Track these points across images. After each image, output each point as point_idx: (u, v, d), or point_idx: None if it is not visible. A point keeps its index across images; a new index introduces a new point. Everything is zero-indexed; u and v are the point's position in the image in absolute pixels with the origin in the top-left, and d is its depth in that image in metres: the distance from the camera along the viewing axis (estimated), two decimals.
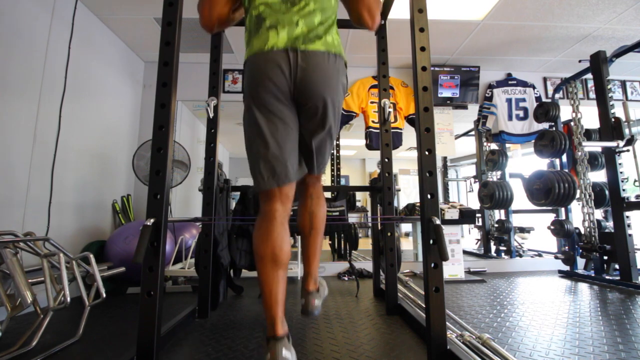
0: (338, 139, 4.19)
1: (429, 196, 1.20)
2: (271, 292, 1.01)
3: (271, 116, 1.05)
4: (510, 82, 3.51)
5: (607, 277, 2.61)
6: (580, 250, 2.86)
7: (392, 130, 2.67)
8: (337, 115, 1.15)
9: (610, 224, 2.94)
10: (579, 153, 2.87)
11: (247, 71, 1.08)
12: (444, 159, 5.43)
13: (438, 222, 1.14)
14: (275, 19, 1.05)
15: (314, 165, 1.20)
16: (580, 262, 2.94)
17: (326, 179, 5.32)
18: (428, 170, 1.21)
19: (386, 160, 2.00)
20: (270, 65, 1.02)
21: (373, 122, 3.18)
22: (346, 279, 2.82)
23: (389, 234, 1.94)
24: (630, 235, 2.47)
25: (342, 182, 3.67)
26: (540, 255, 3.67)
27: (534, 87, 3.50)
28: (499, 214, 4.00)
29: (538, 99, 3.46)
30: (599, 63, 2.68)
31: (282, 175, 1.06)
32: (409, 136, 2.67)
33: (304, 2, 1.07)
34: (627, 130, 2.56)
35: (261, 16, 1.07)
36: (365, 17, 1.11)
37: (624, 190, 2.54)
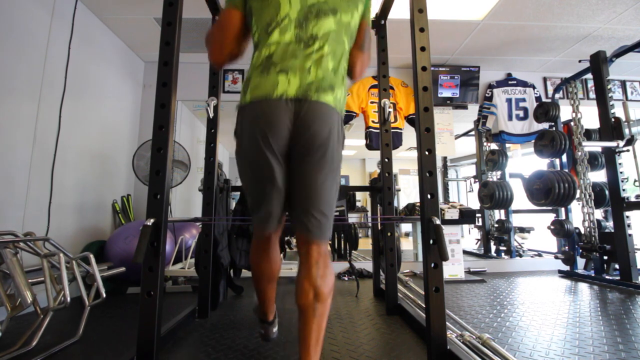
0: None
1: (429, 196, 1.20)
2: (265, 295, 1.25)
3: (276, 160, 1.00)
4: (510, 82, 3.51)
5: (607, 277, 2.61)
6: (580, 250, 2.86)
7: (392, 130, 2.67)
8: (339, 167, 1.06)
9: (610, 224, 2.94)
10: (579, 153, 2.87)
11: (250, 115, 0.99)
12: (444, 159, 5.43)
13: (438, 222, 1.14)
14: (287, 64, 0.99)
15: (315, 228, 1.01)
16: (580, 262, 2.94)
17: None
18: (428, 170, 1.22)
19: (386, 160, 2.00)
20: (278, 115, 0.96)
21: (373, 122, 3.18)
22: (346, 279, 2.82)
23: (389, 234, 1.94)
24: (630, 235, 2.47)
25: (342, 182, 3.67)
26: (540, 255, 3.67)
27: (534, 87, 3.50)
28: (499, 214, 4.00)
29: (538, 99, 3.46)
30: (599, 63, 2.68)
31: (275, 223, 1.10)
32: (409, 136, 2.67)
33: (318, 45, 1.01)
34: (627, 130, 2.56)
35: (271, 58, 1.00)
36: (357, 68, 1.19)
37: (624, 190, 2.54)
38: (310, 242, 1.01)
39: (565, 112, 3.04)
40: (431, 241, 1.16)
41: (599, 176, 3.13)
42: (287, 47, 1.01)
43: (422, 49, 1.27)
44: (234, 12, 1.09)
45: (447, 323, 1.47)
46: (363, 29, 1.15)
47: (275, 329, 1.37)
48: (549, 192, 2.59)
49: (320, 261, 1.00)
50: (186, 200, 3.92)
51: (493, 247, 3.92)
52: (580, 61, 2.92)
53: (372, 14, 2.10)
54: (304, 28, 1.02)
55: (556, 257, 3.15)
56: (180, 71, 1.33)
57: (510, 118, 3.45)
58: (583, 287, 2.52)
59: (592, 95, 3.49)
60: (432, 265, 1.17)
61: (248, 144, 1.00)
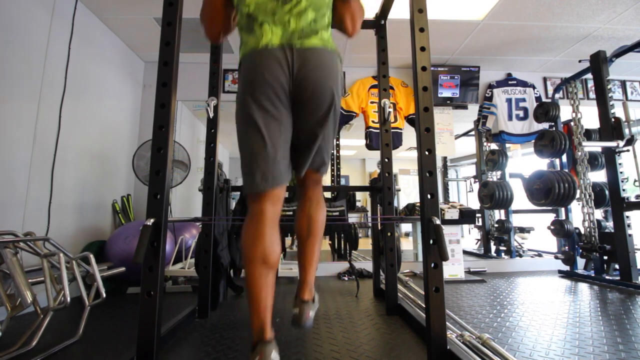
0: (338, 139, 4.20)
1: (429, 196, 1.20)
2: (260, 296, 0.95)
3: (268, 115, 1.00)
4: (510, 82, 3.51)
5: (607, 277, 2.61)
6: (580, 250, 2.86)
7: (392, 130, 2.67)
8: (337, 112, 1.11)
9: (610, 224, 2.94)
10: (579, 153, 2.87)
11: (243, 69, 1.04)
12: (444, 159, 5.43)
13: (438, 222, 1.14)
14: (266, 18, 1.02)
15: (315, 163, 1.13)
16: (580, 262, 2.94)
17: (326, 179, 5.33)
18: (428, 170, 1.21)
19: (386, 160, 2.00)
20: (267, 62, 0.99)
21: (373, 122, 3.18)
22: (346, 279, 2.82)
23: (389, 234, 1.94)
24: (630, 235, 2.47)
25: (342, 182, 3.67)
26: (540, 255, 3.67)
27: (534, 87, 3.50)
28: (499, 214, 4.00)
29: (538, 99, 3.46)
30: (599, 63, 2.68)
31: (275, 177, 1.01)
32: (409, 136, 2.67)
33: (295, 0, 1.03)
34: (627, 130, 2.56)
35: (252, 15, 1.04)
36: (347, 22, 1.14)
37: (624, 190, 2.54)
38: (314, 179, 1.17)
39: (565, 112, 3.04)
40: (431, 241, 1.15)
41: (599, 176, 3.13)
42: (265, 4, 1.03)
43: (422, 49, 1.27)
44: None
45: (447, 323, 1.47)
46: None
47: (274, 354, 0.92)
48: (549, 192, 2.59)
49: (313, 197, 1.19)
50: (186, 200, 3.92)
51: (493, 247, 3.92)
52: (580, 61, 2.92)
53: (372, 14, 2.11)
54: None
55: (556, 257, 3.15)
56: (180, 71, 1.33)
57: (510, 118, 3.45)
58: (583, 287, 2.52)
59: (592, 95, 3.50)
60: (432, 265, 1.17)
61: (247, 92, 1.02)
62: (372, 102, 3.23)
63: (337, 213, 2.29)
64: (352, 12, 1.13)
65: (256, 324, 0.94)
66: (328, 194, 2.44)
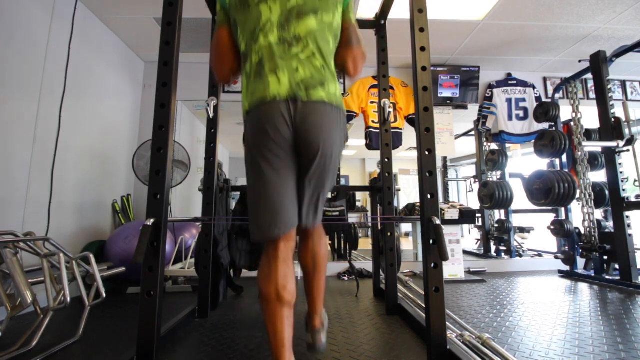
0: None
1: (429, 196, 1.20)
2: (276, 332, 0.96)
3: (274, 168, 1.02)
4: (510, 82, 3.51)
5: (607, 277, 2.61)
6: (580, 250, 2.86)
7: (392, 130, 2.67)
8: (334, 166, 1.11)
9: (610, 224, 2.94)
10: (579, 153, 2.87)
11: (250, 122, 1.05)
12: (444, 159, 5.43)
13: (438, 222, 1.14)
14: (276, 64, 1.02)
15: (314, 218, 1.14)
16: (580, 262, 2.94)
17: None
18: (428, 170, 1.22)
19: (386, 160, 2.00)
20: (273, 118, 1.00)
21: (373, 122, 3.18)
22: (346, 279, 2.82)
23: (389, 234, 1.94)
24: (630, 235, 2.47)
25: (342, 182, 3.67)
26: (540, 255, 3.67)
27: (534, 87, 3.50)
28: (499, 214, 4.00)
29: (538, 99, 3.46)
30: (599, 63, 2.68)
31: (285, 224, 1.03)
32: (409, 136, 2.67)
33: (303, 44, 1.05)
34: (627, 130, 2.56)
35: (262, 62, 1.04)
36: (350, 66, 1.17)
37: (624, 190, 2.54)
38: (309, 228, 1.18)
39: (565, 112, 3.04)
40: (431, 241, 1.16)
41: (599, 176, 3.13)
42: (272, 48, 1.04)
43: (422, 49, 1.27)
44: (221, 29, 1.15)
45: (447, 323, 1.47)
46: (347, 28, 1.17)
47: None
48: (549, 192, 2.59)
49: (315, 235, 1.24)
50: (186, 200, 3.92)
51: (493, 247, 3.92)
52: (580, 61, 2.92)
53: (372, 14, 2.11)
54: (287, 29, 1.05)
55: (556, 257, 3.15)
56: (180, 71, 1.33)
57: (510, 118, 3.45)
58: (583, 287, 2.52)
59: (592, 95, 3.50)
60: (432, 265, 1.17)
61: (254, 147, 1.04)
62: (372, 102, 3.22)
63: (337, 213, 2.29)
64: (354, 57, 1.16)
65: (274, 357, 0.96)
66: (328, 194, 2.44)
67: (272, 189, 1.02)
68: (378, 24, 2.07)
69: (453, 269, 2.77)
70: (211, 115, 1.88)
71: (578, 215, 2.92)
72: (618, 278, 2.52)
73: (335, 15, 1.12)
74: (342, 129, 1.10)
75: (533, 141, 2.97)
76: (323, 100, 1.03)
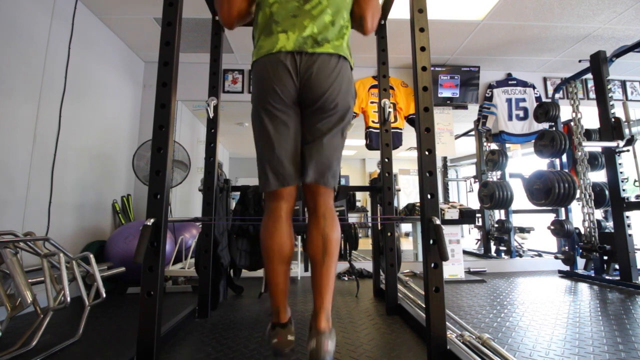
0: None
1: (429, 196, 1.20)
2: (277, 283, 1.08)
3: (277, 121, 1.06)
4: (510, 82, 3.51)
5: (607, 277, 2.61)
6: (580, 250, 2.86)
7: (392, 130, 2.67)
8: (344, 117, 1.11)
9: (610, 224, 2.94)
10: (579, 153, 2.87)
11: (255, 74, 1.08)
12: (444, 159, 5.43)
13: (438, 222, 1.14)
14: (287, 23, 1.04)
15: (322, 173, 1.09)
16: (580, 262, 2.94)
17: None
18: (428, 170, 1.21)
19: (386, 160, 2.00)
20: (277, 70, 1.02)
21: (373, 122, 3.18)
22: (346, 279, 2.82)
23: (389, 234, 1.94)
24: (630, 235, 2.47)
25: (342, 182, 3.67)
26: (540, 255, 3.67)
27: (534, 87, 3.50)
28: (499, 214, 4.00)
29: (538, 99, 3.46)
30: (599, 63, 2.68)
31: (285, 177, 1.07)
32: (409, 136, 2.67)
33: (317, 0, 1.06)
34: (627, 130, 2.56)
35: (273, 17, 1.06)
36: (368, 19, 1.15)
37: (624, 190, 2.54)
38: (318, 191, 1.12)
39: (565, 112, 3.04)
40: (431, 241, 1.15)
41: (599, 176, 3.13)
42: (287, 4, 1.05)
43: (422, 49, 1.27)
44: None
45: (447, 323, 1.47)
46: None
47: (291, 338, 1.06)
48: (549, 192, 2.59)
49: (327, 213, 1.13)
50: (186, 200, 3.92)
51: (493, 247, 3.92)
52: (580, 61, 2.92)
53: None
54: None
55: (556, 257, 3.15)
56: (180, 71, 1.33)
57: (510, 118, 3.45)
58: (583, 287, 2.52)
59: (592, 95, 3.50)
60: (432, 265, 1.17)
61: (257, 98, 1.07)
62: (372, 102, 3.23)
63: (336, 213, 2.29)
64: (373, 9, 1.15)
65: (273, 307, 1.09)
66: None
67: (274, 143, 1.05)
68: (378, 24, 2.07)
69: (453, 269, 2.77)
70: (211, 115, 1.88)
71: (578, 215, 2.92)
72: (618, 278, 2.52)
73: None
74: (348, 77, 1.10)
75: (533, 141, 2.97)
76: (329, 51, 1.04)
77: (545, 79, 3.63)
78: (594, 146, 3.06)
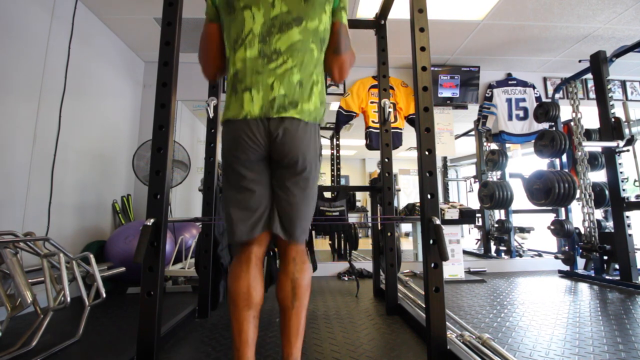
0: (338, 139, 4.20)
1: (429, 196, 1.20)
2: (241, 331, 0.97)
3: (246, 179, 1.04)
4: (510, 82, 3.51)
5: (607, 277, 2.61)
6: (580, 250, 2.86)
7: (392, 130, 2.67)
8: (314, 176, 1.09)
9: (610, 224, 2.94)
10: (579, 153, 2.87)
11: (224, 135, 1.06)
12: (444, 159, 5.44)
13: (438, 222, 1.14)
14: (251, 80, 1.02)
15: (291, 233, 1.06)
16: (580, 262, 2.94)
17: (326, 179, 5.33)
18: (428, 170, 1.22)
19: (386, 160, 2.00)
20: (244, 137, 1.00)
21: (373, 122, 3.18)
22: (346, 279, 2.82)
23: (389, 234, 1.94)
24: (630, 235, 2.47)
25: (342, 182, 3.67)
26: (540, 255, 3.67)
27: (534, 87, 3.50)
28: (499, 214, 4.00)
29: (538, 99, 3.46)
30: (599, 63, 2.68)
31: (257, 226, 1.04)
32: (409, 136, 2.67)
33: (282, 59, 1.03)
34: (627, 130, 2.56)
35: (238, 75, 1.04)
36: (335, 73, 1.16)
37: (624, 190, 2.54)
38: (287, 244, 1.09)
39: (565, 112, 3.04)
40: (431, 241, 1.16)
41: (599, 176, 3.13)
42: (251, 63, 1.03)
43: (422, 49, 1.27)
44: (210, 25, 1.12)
45: (447, 323, 1.47)
46: (336, 31, 1.12)
47: None
48: (549, 192, 2.59)
49: (297, 258, 1.08)
50: (186, 200, 3.92)
51: (493, 247, 3.92)
52: (580, 61, 2.92)
53: (372, 14, 2.11)
54: (268, 43, 1.03)
55: (556, 257, 3.15)
56: (180, 71, 1.33)
57: (510, 118, 3.45)
58: (583, 287, 2.52)
59: (592, 95, 3.50)
60: (432, 265, 1.17)
61: (225, 156, 1.06)
62: (372, 102, 3.22)
63: (337, 213, 2.29)
64: (340, 65, 1.14)
65: (236, 356, 0.97)
66: (328, 194, 2.45)
67: (245, 195, 1.03)
68: (378, 24, 2.07)
69: (453, 269, 2.77)
70: (211, 115, 1.88)
71: (578, 215, 2.92)
72: (618, 278, 2.52)
73: (322, 18, 1.08)
74: (315, 140, 1.08)
75: (533, 141, 2.97)
76: (295, 117, 1.02)
77: (545, 79, 3.63)
78: (594, 146, 3.06)
